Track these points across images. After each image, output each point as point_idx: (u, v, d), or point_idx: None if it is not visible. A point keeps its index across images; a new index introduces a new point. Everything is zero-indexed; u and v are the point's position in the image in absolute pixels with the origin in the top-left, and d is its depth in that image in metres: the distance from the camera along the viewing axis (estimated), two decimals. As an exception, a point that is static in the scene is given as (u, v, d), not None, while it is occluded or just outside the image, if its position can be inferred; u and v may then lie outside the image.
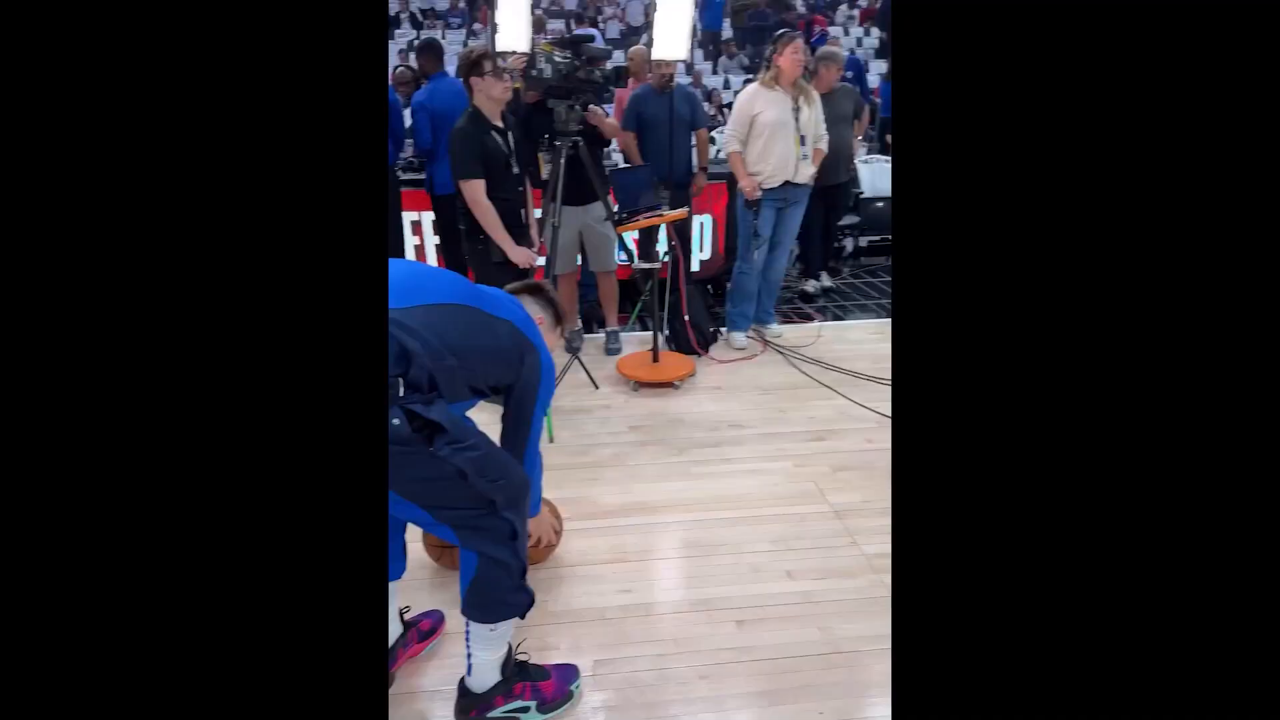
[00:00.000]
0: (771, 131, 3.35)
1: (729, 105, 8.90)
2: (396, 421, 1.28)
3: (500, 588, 1.47)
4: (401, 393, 1.30)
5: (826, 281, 4.64)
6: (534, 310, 1.65)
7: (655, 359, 3.33)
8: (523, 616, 1.54)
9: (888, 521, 2.18)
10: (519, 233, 2.91)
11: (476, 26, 10.94)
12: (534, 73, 2.85)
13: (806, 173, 3.47)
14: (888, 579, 1.96)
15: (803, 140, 3.40)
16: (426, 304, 1.38)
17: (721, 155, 3.81)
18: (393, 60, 9.52)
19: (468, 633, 1.52)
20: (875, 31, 12.01)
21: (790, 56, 3.31)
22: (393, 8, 11.51)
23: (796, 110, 3.37)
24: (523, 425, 1.55)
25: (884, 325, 4.06)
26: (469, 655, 1.53)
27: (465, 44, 10.44)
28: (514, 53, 2.85)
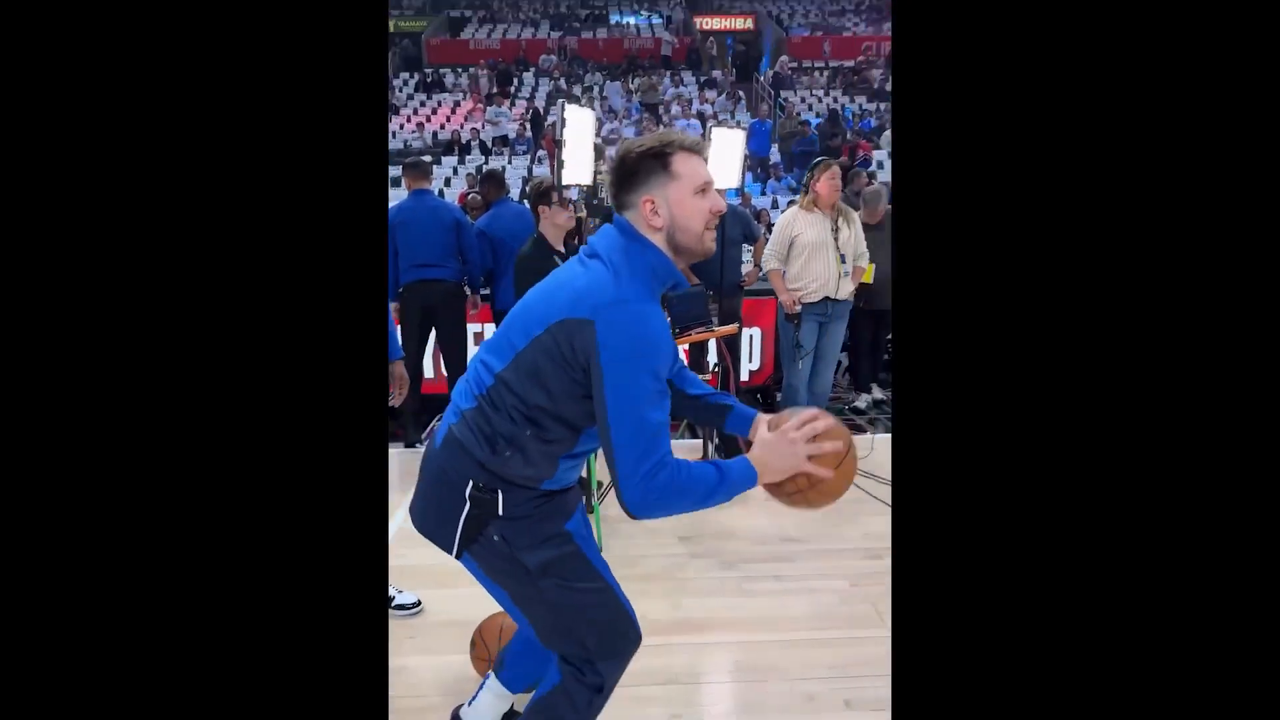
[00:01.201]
0: (811, 251, 3.56)
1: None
2: (496, 538, 1.25)
3: None
4: (500, 510, 1.25)
5: (878, 394, 4.62)
6: (633, 208, 1.25)
7: (706, 470, 3.32)
8: None
9: (952, 650, 2.06)
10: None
11: (541, 154, 11.82)
12: (595, 202, 3.07)
13: (847, 289, 3.65)
14: (954, 715, 1.83)
15: (843, 259, 3.58)
16: (491, 385, 1.26)
17: (762, 273, 3.98)
18: (463, 184, 10.30)
19: None
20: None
21: (827, 183, 3.56)
22: (464, 136, 12.58)
23: (835, 230, 3.57)
24: (603, 435, 1.16)
25: (939, 440, 3.98)
26: None
27: (530, 169, 11.26)
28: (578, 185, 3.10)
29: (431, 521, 1.33)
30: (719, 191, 1.35)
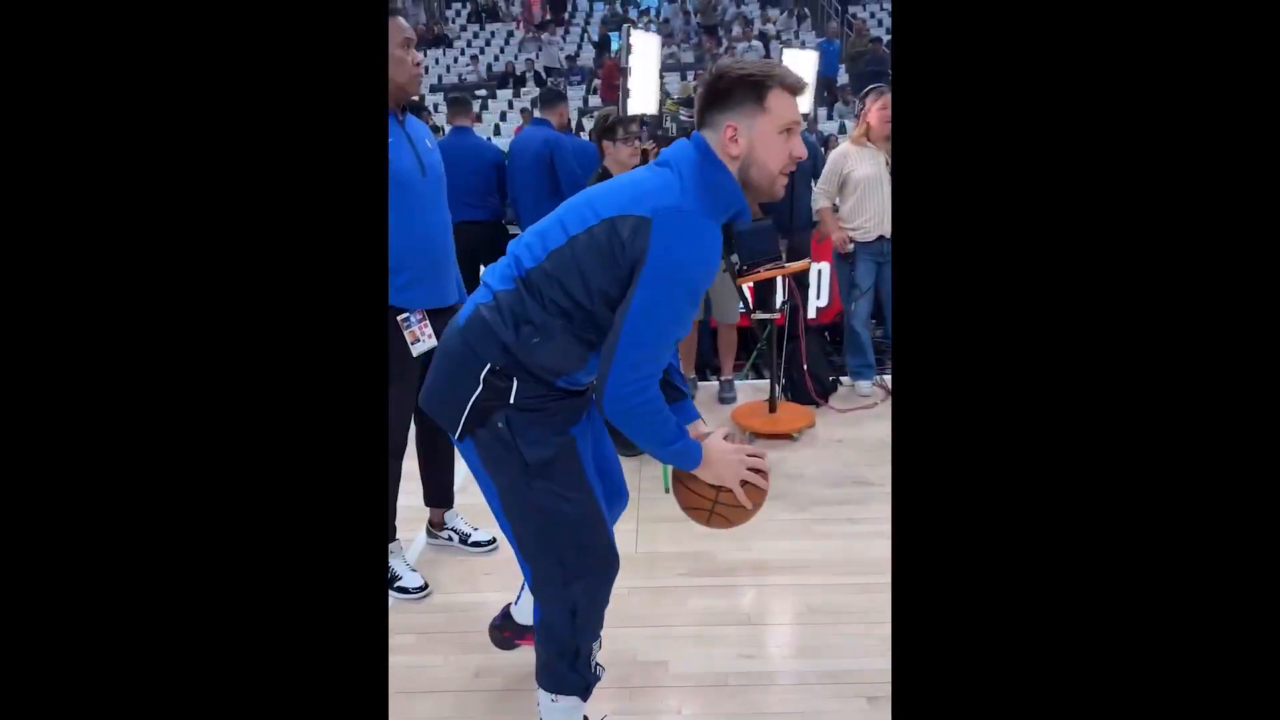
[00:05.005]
0: (865, 188, 3.35)
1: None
2: (501, 424, 1.25)
3: (554, 658, 1.40)
4: (512, 398, 1.24)
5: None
6: (714, 129, 1.23)
7: (772, 410, 3.27)
8: (584, 699, 1.47)
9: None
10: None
11: (596, 83, 11.46)
12: (660, 132, 2.94)
13: None
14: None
15: None
16: (532, 268, 1.24)
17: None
18: (519, 119, 10.12)
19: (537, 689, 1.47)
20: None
21: (879, 113, 3.32)
22: (519, 67, 12.30)
23: (890, 165, 3.33)
24: (616, 325, 1.18)
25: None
26: (539, 713, 1.48)
27: (585, 100, 10.96)
28: (644, 115, 2.96)
29: (439, 400, 1.32)
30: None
